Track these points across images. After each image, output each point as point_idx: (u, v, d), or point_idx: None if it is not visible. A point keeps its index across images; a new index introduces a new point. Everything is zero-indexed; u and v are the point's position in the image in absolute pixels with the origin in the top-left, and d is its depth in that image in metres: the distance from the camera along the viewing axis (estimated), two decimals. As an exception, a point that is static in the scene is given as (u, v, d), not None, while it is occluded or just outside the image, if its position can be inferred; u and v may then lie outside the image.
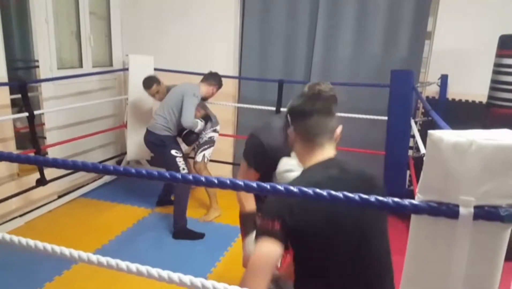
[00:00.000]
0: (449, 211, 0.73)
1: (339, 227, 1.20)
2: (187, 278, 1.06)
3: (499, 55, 3.24)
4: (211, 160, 3.79)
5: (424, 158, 0.78)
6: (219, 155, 4.24)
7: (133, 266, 1.13)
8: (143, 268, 1.11)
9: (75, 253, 1.19)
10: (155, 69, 4.25)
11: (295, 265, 1.28)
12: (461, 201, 0.72)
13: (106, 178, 4.48)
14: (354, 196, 0.81)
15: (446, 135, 0.73)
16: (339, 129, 1.37)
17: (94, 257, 1.17)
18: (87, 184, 4.28)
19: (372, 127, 3.99)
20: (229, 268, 2.95)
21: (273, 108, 4.05)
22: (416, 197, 0.79)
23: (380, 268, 1.29)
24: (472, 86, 3.80)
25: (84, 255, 1.17)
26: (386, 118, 3.59)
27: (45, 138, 3.95)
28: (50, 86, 3.89)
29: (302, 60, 4.30)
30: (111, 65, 4.75)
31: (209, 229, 3.50)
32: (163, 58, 4.44)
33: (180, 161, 3.36)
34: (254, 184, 0.87)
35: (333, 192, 0.82)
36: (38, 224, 3.52)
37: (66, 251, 1.19)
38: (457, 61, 3.87)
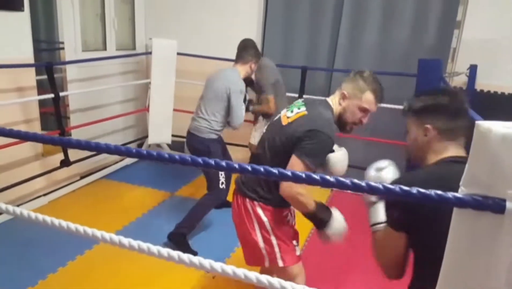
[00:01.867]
0: (495, 206, 0.70)
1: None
2: (207, 262, 1.05)
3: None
4: (230, 144, 3.74)
5: (470, 149, 0.75)
6: (238, 138, 4.20)
7: (155, 248, 1.12)
8: (164, 251, 1.10)
9: (98, 233, 1.19)
10: (178, 54, 4.24)
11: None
12: (509, 195, 0.68)
13: (128, 160, 4.52)
14: (412, 189, 0.77)
15: (495, 126, 0.69)
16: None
17: (116, 238, 1.17)
18: (109, 166, 4.33)
19: (397, 117, 3.91)
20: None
21: (295, 95, 4.00)
22: (459, 190, 0.76)
23: None
24: (502, 77, 3.70)
25: (107, 235, 1.18)
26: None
27: (69, 118, 4.00)
28: (74, 68, 3.93)
29: (325, 46, 4.25)
30: (134, 48, 4.76)
31: (226, 215, 3.51)
32: (186, 42, 4.42)
33: (222, 175, 3.01)
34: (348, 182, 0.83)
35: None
36: (61, 203, 3.59)
37: (89, 230, 1.20)
38: (486, 51, 3.76)
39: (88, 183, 4.00)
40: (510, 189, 0.69)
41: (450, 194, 0.75)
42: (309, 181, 0.83)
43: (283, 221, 1.94)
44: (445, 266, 0.79)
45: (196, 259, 1.07)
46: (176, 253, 1.10)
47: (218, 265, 1.04)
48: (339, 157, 1.97)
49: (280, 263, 1.89)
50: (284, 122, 1.85)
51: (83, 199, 3.72)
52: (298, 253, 1.96)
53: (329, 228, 1.82)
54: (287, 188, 1.75)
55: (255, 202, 1.89)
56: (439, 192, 0.77)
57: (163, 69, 4.24)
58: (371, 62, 4.04)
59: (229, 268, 1.02)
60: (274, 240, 1.88)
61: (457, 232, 0.77)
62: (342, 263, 2.94)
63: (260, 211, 1.89)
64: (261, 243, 1.89)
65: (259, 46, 4.47)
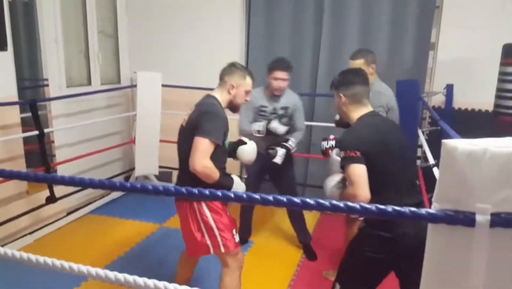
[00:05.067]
0: (465, 219, 0.74)
1: (389, 144, 1.88)
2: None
3: (503, 63, 3.26)
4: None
5: (439, 167, 0.79)
6: None
7: (141, 280, 1.13)
8: (150, 282, 1.12)
9: (84, 268, 1.20)
10: (163, 85, 4.30)
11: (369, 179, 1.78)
12: (478, 208, 0.72)
13: (114, 194, 4.49)
14: (387, 207, 0.84)
15: (460, 144, 0.74)
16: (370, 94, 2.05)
17: (102, 272, 1.18)
18: (95, 200, 4.30)
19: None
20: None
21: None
22: (432, 206, 0.80)
23: (414, 171, 2.01)
24: (478, 95, 3.81)
25: (93, 270, 1.19)
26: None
27: (54, 156, 3.98)
28: (59, 104, 3.94)
29: (307, 71, 4.34)
30: (119, 82, 4.81)
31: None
32: (171, 74, 4.48)
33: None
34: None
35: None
36: (48, 241, 3.53)
37: (75, 266, 1.21)
38: (462, 70, 3.88)
39: (75, 219, 3.96)
40: (479, 203, 0.73)
41: (423, 210, 0.79)
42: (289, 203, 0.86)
43: (223, 214, 2.22)
44: (424, 280, 0.82)
45: None
46: (162, 284, 1.11)
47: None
48: (247, 148, 2.37)
49: (223, 250, 2.20)
50: (184, 124, 2.19)
51: (70, 235, 3.67)
52: (237, 239, 2.26)
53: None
54: (195, 163, 2.02)
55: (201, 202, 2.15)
56: (413, 209, 0.81)
57: (148, 101, 4.29)
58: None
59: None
60: (217, 233, 2.18)
61: (433, 247, 0.80)
62: None
63: (205, 209, 2.16)
64: (207, 240, 2.19)
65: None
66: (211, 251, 2.21)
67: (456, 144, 0.74)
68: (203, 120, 2.07)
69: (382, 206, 0.82)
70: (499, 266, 0.74)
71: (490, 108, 3.42)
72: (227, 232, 2.22)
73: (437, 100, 4.02)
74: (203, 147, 2.03)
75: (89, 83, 4.40)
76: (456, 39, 3.86)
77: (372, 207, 0.82)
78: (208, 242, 2.19)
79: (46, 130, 3.48)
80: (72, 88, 4.13)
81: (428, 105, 3.72)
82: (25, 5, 4.30)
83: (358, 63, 2.90)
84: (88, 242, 3.52)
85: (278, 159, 3.03)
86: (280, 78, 3.03)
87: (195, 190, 0.95)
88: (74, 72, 4.28)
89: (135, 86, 4.38)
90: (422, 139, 3.52)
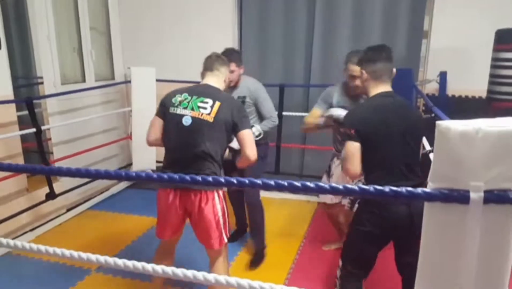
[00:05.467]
0: (460, 197, 0.77)
1: (390, 126, 1.94)
2: (200, 274, 1.11)
3: (496, 49, 3.28)
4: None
5: (433, 148, 0.82)
6: None
7: (149, 266, 1.18)
8: (158, 268, 1.17)
9: (93, 257, 1.24)
10: (157, 80, 4.30)
11: (363, 159, 1.94)
12: (471, 186, 0.76)
13: (113, 189, 4.52)
14: (384, 188, 0.87)
15: (453, 125, 0.77)
16: (394, 70, 2.12)
17: (111, 260, 1.22)
18: (95, 196, 4.32)
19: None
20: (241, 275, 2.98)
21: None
22: (427, 186, 0.83)
23: (415, 156, 2.04)
24: (471, 82, 3.83)
25: (102, 258, 1.23)
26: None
27: (52, 153, 4.00)
28: (55, 102, 3.95)
29: (301, 64, 4.36)
30: (113, 78, 4.81)
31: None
32: (164, 69, 4.49)
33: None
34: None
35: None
36: (49, 237, 3.55)
37: (84, 255, 1.27)
38: (455, 57, 3.91)
39: (75, 215, 3.98)
40: (473, 181, 0.76)
41: (419, 190, 0.82)
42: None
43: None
44: (422, 256, 0.85)
45: (190, 273, 1.11)
46: (170, 269, 1.14)
47: (200, 275, 1.11)
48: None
49: (226, 239, 2.26)
50: (210, 118, 2.14)
51: (70, 231, 3.69)
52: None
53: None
54: (254, 154, 2.18)
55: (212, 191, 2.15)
56: (409, 188, 0.84)
57: (143, 96, 4.29)
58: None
59: (233, 280, 1.07)
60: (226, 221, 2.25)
61: (429, 225, 0.83)
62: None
63: (221, 196, 2.22)
64: (222, 229, 2.23)
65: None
66: (224, 240, 2.25)
67: (449, 125, 0.77)
68: (242, 114, 2.22)
69: (379, 187, 0.85)
70: (492, 240, 0.78)
71: (484, 94, 3.45)
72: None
73: (431, 87, 4.06)
74: (252, 137, 2.22)
75: (84, 80, 4.40)
76: (449, 26, 3.88)
77: (370, 188, 0.85)
78: (222, 231, 2.22)
79: (43, 128, 3.48)
80: (67, 85, 4.13)
81: (423, 93, 3.76)
82: (16, 2, 4.28)
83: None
84: (89, 238, 3.54)
85: (234, 144, 2.88)
86: (230, 69, 2.89)
87: (199, 178, 0.98)
88: (68, 70, 4.28)
89: (129, 81, 4.38)
90: (417, 126, 3.55)
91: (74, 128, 4.14)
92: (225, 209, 2.23)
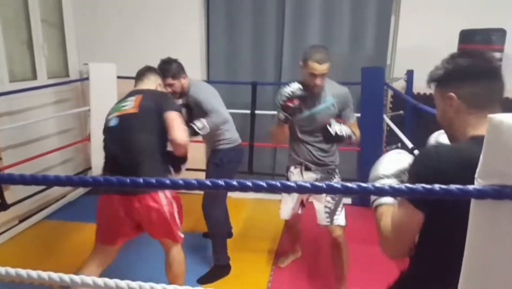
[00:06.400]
0: None
1: None
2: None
3: (460, 49, 3.40)
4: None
5: (484, 142, 0.77)
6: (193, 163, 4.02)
7: (123, 283, 1.08)
8: (135, 284, 1.07)
9: (55, 276, 1.10)
10: (118, 77, 4.02)
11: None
12: (527, 182, 0.71)
13: (70, 196, 4.17)
14: (434, 187, 0.80)
15: (506, 118, 0.73)
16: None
17: (77, 278, 1.10)
18: (50, 205, 3.95)
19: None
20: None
21: (247, 111, 3.96)
22: (475, 183, 0.79)
23: None
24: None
25: (66, 277, 1.11)
26: (358, 114, 3.62)
27: (0, 158, 3.59)
28: (3, 101, 3.55)
29: (271, 61, 4.28)
30: (67, 75, 4.44)
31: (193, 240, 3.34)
32: (124, 65, 4.18)
33: None
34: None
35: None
36: (2, 251, 3.18)
37: (44, 275, 1.11)
38: (421, 56, 3.97)
39: (29, 227, 3.60)
40: None
41: (470, 187, 0.77)
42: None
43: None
44: (468, 257, 0.81)
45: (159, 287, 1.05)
46: (125, 283, 1.07)
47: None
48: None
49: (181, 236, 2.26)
50: (134, 110, 2.13)
51: (26, 244, 3.33)
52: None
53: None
54: (181, 135, 2.08)
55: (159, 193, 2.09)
56: (459, 186, 0.79)
57: (103, 94, 3.98)
58: (316, 73, 4.13)
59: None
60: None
61: (478, 224, 0.79)
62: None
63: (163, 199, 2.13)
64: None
65: (204, 64, 4.40)
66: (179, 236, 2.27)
67: (502, 118, 0.73)
68: (165, 99, 2.23)
69: (428, 186, 0.80)
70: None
71: (450, 92, 3.54)
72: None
73: (399, 85, 4.12)
74: (180, 119, 2.13)
75: (35, 77, 4.02)
76: (415, 25, 3.97)
77: (418, 187, 0.80)
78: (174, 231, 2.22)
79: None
80: (16, 83, 3.73)
81: (397, 90, 3.81)
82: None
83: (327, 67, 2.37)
84: (46, 251, 3.21)
85: (197, 123, 2.74)
86: (168, 83, 2.81)
87: (193, 181, 0.88)
88: (17, 66, 3.88)
89: (87, 79, 4.07)
90: (391, 124, 3.58)
91: (25, 131, 3.75)
92: (174, 210, 2.18)
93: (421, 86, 4.01)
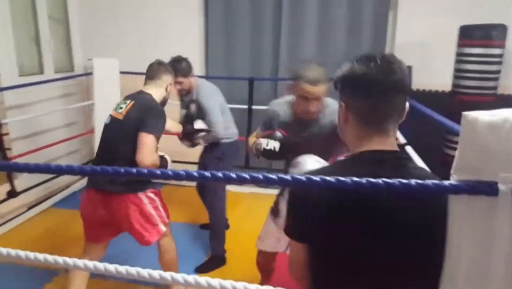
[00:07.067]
0: (488, 189, 0.75)
1: None
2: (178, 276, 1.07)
3: (460, 44, 3.40)
4: (176, 161, 3.62)
5: (459, 139, 0.79)
6: (185, 156, 3.97)
7: (122, 269, 1.10)
8: (133, 270, 1.09)
9: (60, 259, 1.15)
10: (121, 72, 4.14)
11: None
12: (500, 178, 0.74)
13: (76, 186, 4.32)
14: (378, 180, 0.82)
15: (480, 115, 0.75)
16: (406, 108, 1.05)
17: (80, 263, 1.13)
18: (57, 193, 4.11)
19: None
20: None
21: (245, 106, 4.06)
22: (451, 178, 0.80)
23: None
24: (436, 76, 3.91)
25: (70, 260, 1.14)
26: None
27: (10, 149, 3.75)
28: (12, 95, 3.70)
29: (269, 57, 4.35)
30: (72, 70, 4.59)
31: (189, 231, 3.47)
32: (127, 61, 4.32)
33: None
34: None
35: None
36: (9, 237, 3.35)
37: (50, 258, 1.15)
38: (420, 52, 3.98)
39: (37, 214, 3.77)
40: (502, 172, 0.75)
41: (446, 182, 0.80)
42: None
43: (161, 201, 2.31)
44: (448, 253, 0.83)
45: (168, 275, 1.07)
46: (135, 270, 1.09)
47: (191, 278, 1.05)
48: None
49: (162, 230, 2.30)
50: (121, 116, 2.16)
51: (33, 230, 3.50)
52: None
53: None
54: (146, 159, 2.05)
55: (139, 193, 2.16)
56: (435, 181, 0.82)
57: (106, 89, 4.11)
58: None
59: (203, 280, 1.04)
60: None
61: (454, 218, 0.81)
62: None
63: (144, 199, 2.19)
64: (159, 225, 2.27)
65: (203, 60, 4.49)
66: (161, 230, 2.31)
67: (477, 115, 0.76)
68: (149, 116, 2.11)
69: (405, 181, 0.82)
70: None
71: (448, 88, 3.57)
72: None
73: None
74: (151, 143, 2.08)
75: (42, 71, 4.16)
76: (413, 21, 3.96)
77: (395, 181, 0.82)
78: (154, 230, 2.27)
79: (1, 121, 3.26)
80: (25, 77, 3.88)
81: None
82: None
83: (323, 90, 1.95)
84: (53, 237, 3.37)
85: (197, 124, 2.89)
86: (178, 81, 2.89)
87: (194, 173, 0.93)
88: (26, 61, 4.03)
89: (91, 73, 4.19)
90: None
91: (34, 123, 3.91)
92: (157, 204, 2.25)
93: (420, 82, 4.07)
